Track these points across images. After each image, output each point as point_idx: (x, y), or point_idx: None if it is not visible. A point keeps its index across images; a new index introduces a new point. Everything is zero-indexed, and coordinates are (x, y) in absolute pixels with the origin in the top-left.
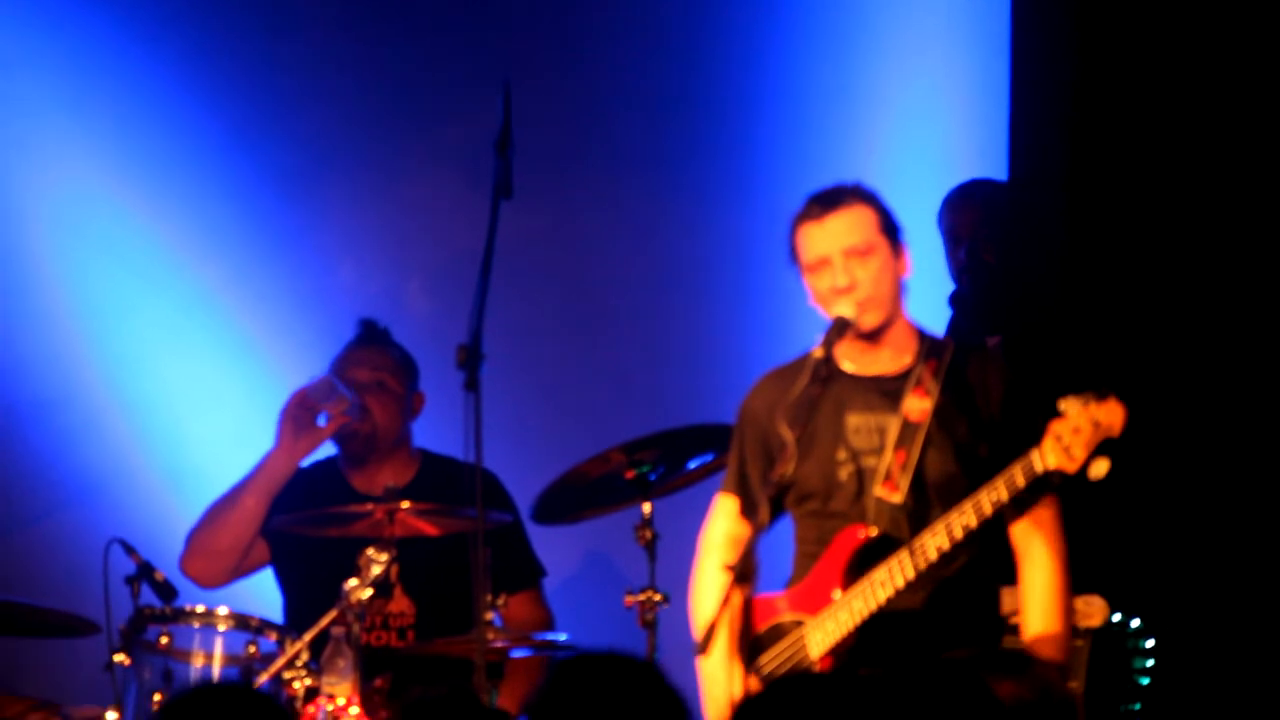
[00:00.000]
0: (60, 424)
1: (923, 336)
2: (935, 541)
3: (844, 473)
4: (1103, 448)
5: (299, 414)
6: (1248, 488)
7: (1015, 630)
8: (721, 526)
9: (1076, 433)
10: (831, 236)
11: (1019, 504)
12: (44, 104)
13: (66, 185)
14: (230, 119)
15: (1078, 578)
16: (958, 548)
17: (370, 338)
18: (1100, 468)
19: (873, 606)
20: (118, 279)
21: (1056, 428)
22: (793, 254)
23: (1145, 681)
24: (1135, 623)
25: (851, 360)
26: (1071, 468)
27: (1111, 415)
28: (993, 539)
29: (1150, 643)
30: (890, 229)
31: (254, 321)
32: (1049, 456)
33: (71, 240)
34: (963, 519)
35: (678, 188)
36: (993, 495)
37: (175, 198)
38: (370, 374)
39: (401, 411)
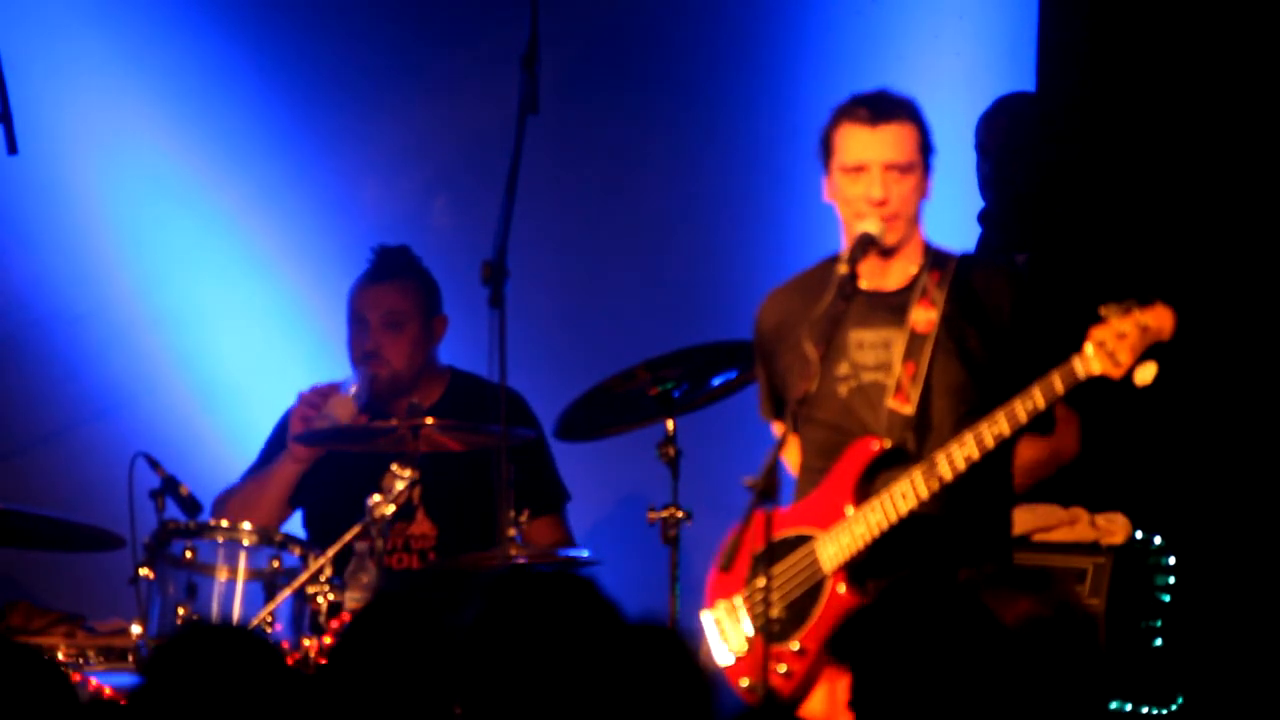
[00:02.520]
0: (88, 338)
1: (928, 249)
2: (964, 452)
3: (844, 388)
4: (1150, 353)
5: (308, 414)
6: (1272, 405)
7: (1027, 547)
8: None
9: (1121, 338)
10: (878, 147)
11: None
12: (74, 28)
13: (93, 103)
14: (252, 41)
15: (1101, 496)
16: (988, 457)
17: (382, 272)
18: (1147, 372)
19: (893, 519)
20: (146, 195)
21: (1098, 334)
22: (825, 147)
23: (1166, 599)
24: (1157, 540)
25: (861, 274)
26: (1117, 373)
27: (1161, 319)
28: (1008, 456)
29: (1172, 560)
30: (927, 150)
31: (280, 237)
32: (1093, 363)
33: (98, 156)
34: (994, 428)
35: (705, 101)
36: (1028, 404)
37: (202, 117)
38: (381, 316)
39: (418, 347)
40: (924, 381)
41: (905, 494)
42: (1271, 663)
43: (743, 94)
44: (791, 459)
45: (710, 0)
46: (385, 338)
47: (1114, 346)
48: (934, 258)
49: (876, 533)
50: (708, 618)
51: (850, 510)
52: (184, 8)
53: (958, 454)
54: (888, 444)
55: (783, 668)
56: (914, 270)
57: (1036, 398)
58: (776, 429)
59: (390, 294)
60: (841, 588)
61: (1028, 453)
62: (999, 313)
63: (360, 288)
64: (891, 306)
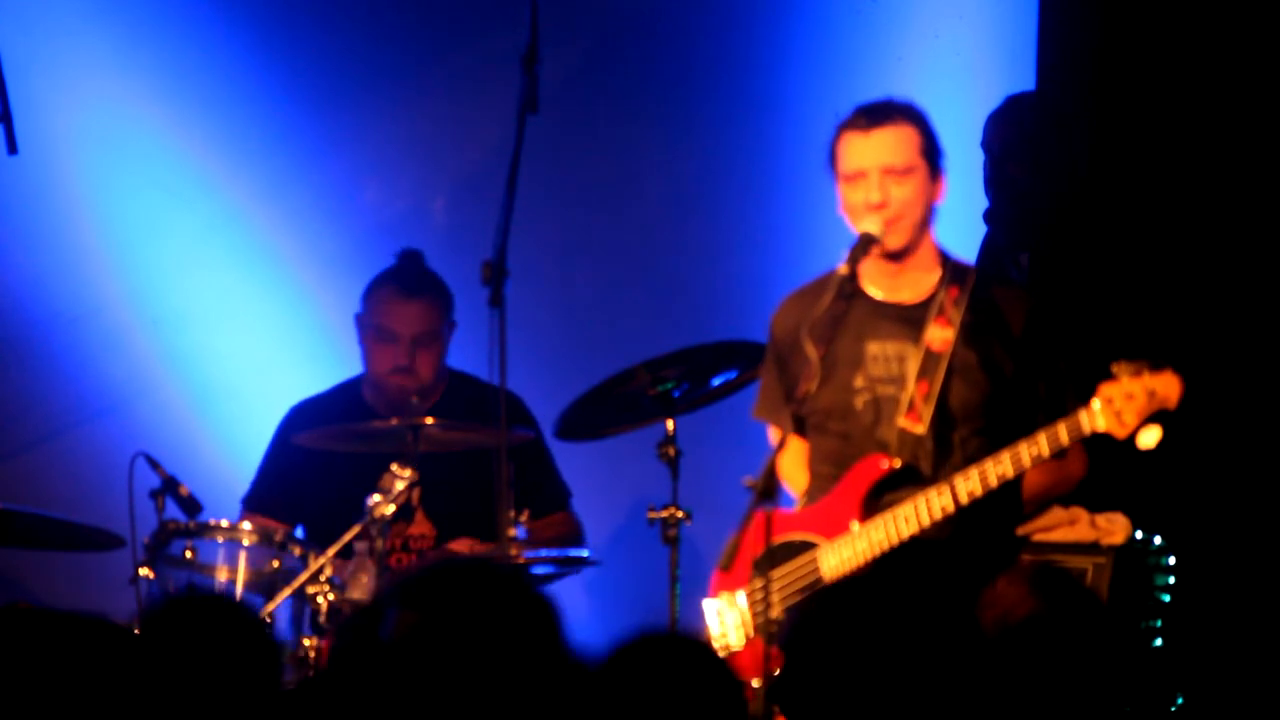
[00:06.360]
0: (86, 339)
1: (945, 261)
2: (967, 486)
3: (860, 401)
4: (1155, 417)
5: None
6: (1271, 406)
7: (1027, 547)
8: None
9: (1129, 399)
10: (873, 151)
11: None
12: (71, 22)
13: (94, 102)
14: (257, 36)
15: (1101, 496)
16: (990, 494)
17: (413, 287)
18: (1151, 437)
19: (894, 540)
20: (144, 195)
21: (1107, 390)
22: (831, 160)
23: (1166, 599)
24: (1157, 540)
25: (875, 283)
26: (1121, 434)
27: (1168, 388)
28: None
29: (1172, 560)
30: (931, 153)
31: (280, 238)
32: (1099, 419)
33: (98, 156)
34: (999, 468)
35: (705, 102)
36: (1033, 450)
37: (203, 114)
38: (416, 334)
39: (441, 357)
40: (937, 402)
41: (908, 518)
42: (1271, 663)
43: (742, 94)
44: (786, 465)
45: (710, 1)
46: (419, 354)
47: (1121, 407)
48: (952, 271)
49: (877, 551)
50: (709, 606)
51: (855, 525)
52: (183, 7)
53: (961, 487)
54: (898, 463)
55: (777, 670)
56: (931, 283)
57: (1042, 445)
58: (772, 433)
59: (424, 312)
60: None
61: (1038, 477)
62: (1011, 332)
63: (389, 300)
64: (907, 320)
